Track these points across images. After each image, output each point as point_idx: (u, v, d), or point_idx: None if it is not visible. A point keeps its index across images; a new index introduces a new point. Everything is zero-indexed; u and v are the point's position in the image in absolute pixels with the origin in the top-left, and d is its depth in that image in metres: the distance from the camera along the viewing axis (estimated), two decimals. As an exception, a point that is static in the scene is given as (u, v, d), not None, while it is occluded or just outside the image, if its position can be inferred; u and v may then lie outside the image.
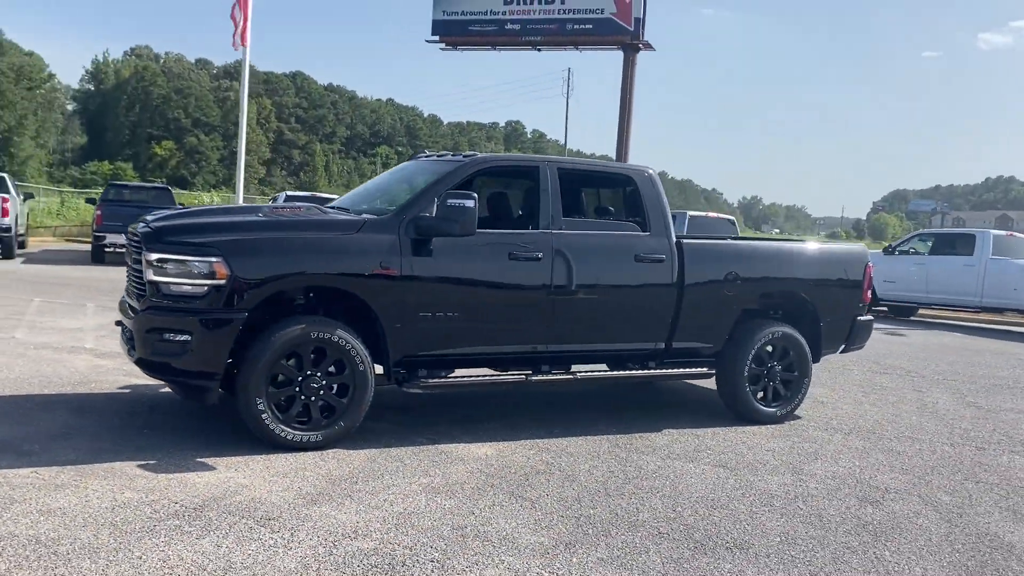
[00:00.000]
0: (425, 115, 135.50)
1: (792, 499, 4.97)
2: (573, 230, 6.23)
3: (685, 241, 6.64)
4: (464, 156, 6.23)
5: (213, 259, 5.01)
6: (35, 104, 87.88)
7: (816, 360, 7.34)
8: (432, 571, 3.60)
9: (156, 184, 28.45)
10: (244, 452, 5.15)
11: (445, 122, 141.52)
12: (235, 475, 4.74)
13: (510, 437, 5.96)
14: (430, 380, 5.71)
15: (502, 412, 6.72)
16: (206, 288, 5.02)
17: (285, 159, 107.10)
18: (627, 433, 6.29)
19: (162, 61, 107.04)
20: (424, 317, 5.58)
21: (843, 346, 7.43)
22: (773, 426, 6.84)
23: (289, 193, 25.82)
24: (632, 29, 30.66)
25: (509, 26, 37.22)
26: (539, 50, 39.71)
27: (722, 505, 4.77)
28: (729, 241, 7.62)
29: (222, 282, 5.01)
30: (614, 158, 29.09)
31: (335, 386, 5.45)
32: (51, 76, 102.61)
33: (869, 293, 7.45)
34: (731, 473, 5.44)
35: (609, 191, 7.48)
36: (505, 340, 5.95)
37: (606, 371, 6.55)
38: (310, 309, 5.57)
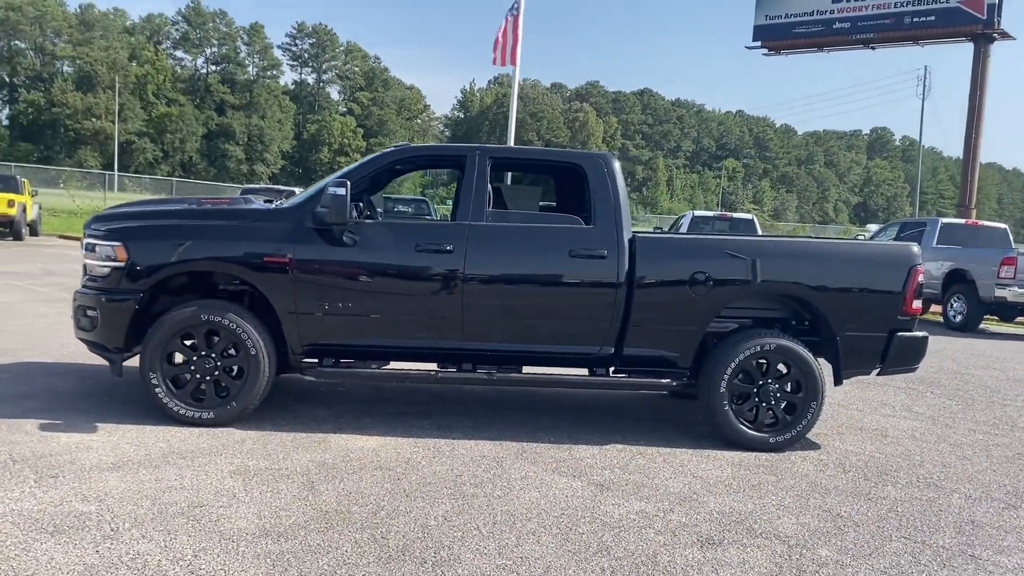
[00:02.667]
0: (777, 125, 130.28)
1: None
2: (496, 222, 5.89)
3: (639, 235, 5.92)
4: (394, 146, 6.19)
5: (115, 243, 5.59)
6: (412, 132, 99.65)
7: (837, 382, 6.08)
8: (101, 539, 3.74)
9: (416, 196, 31.02)
10: (142, 422, 5.65)
11: (800, 132, 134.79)
12: (99, 438, 5.24)
13: (416, 432, 5.80)
14: (325, 368, 5.77)
15: (443, 410, 6.52)
16: (109, 270, 5.61)
17: (628, 175, 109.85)
18: (554, 443, 5.77)
19: (521, 87, 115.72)
20: (322, 307, 5.66)
21: (878, 367, 6.04)
22: (754, 455, 5.79)
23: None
24: (984, 17, 27.20)
25: (838, 25, 34.89)
26: (872, 48, 36.64)
27: (518, 525, 4.25)
28: (701, 236, 6.57)
29: (121, 265, 5.57)
30: (961, 158, 25.89)
31: (234, 368, 5.75)
32: (426, 107, 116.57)
33: (917, 303, 5.98)
34: (602, 492, 4.78)
35: (553, 181, 6.87)
36: (415, 335, 5.80)
37: (533, 375, 6.05)
38: (233, 296, 5.95)
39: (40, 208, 26.94)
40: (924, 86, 70.09)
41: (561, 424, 6.32)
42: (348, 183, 5.49)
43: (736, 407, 5.91)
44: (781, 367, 5.97)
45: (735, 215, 19.43)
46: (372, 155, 6.10)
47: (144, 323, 5.68)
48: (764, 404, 5.91)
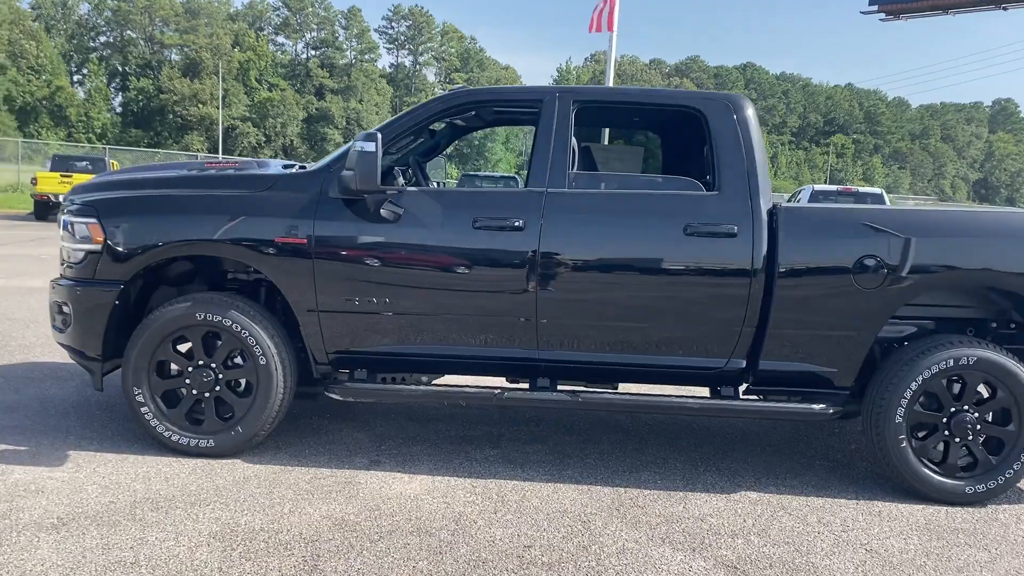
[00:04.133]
0: (889, 98, 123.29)
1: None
2: (583, 188, 4.36)
3: (783, 206, 4.28)
4: (445, 91, 4.71)
5: (90, 219, 4.33)
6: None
7: (1064, 412, 4.33)
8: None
9: (507, 174, 29.38)
10: (127, 451, 4.40)
11: (914, 105, 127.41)
12: (61, 476, 4.00)
13: (476, 469, 4.35)
14: (355, 385, 4.37)
15: (515, 435, 5.03)
16: (83, 254, 4.35)
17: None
18: (662, 489, 4.22)
19: (617, 63, 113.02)
20: (352, 302, 4.27)
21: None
22: (946, 512, 4.12)
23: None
24: None
25: (967, -17, 31.76)
26: (1004, 8, 33.40)
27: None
28: (872, 208, 4.83)
29: (97, 247, 4.31)
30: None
31: (241, 383, 4.44)
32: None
33: None
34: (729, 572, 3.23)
35: (661, 134, 5.22)
36: (474, 340, 4.34)
37: (633, 396, 4.48)
38: (247, 288, 4.64)
39: None
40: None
41: (672, 461, 4.75)
42: (379, 136, 4.05)
43: (918, 443, 4.24)
44: (982, 389, 4.26)
45: (862, 189, 16.97)
46: (418, 104, 4.64)
47: (134, 323, 4.41)
48: (958, 440, 4.21)
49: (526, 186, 4.41)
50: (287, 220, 4.24)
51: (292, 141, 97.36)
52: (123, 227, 4.30)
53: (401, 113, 4.55)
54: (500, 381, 4.64)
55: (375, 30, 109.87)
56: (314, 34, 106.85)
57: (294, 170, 4.59)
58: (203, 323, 4.27)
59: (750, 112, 4.40)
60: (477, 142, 79.56)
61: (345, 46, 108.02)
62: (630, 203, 4.30)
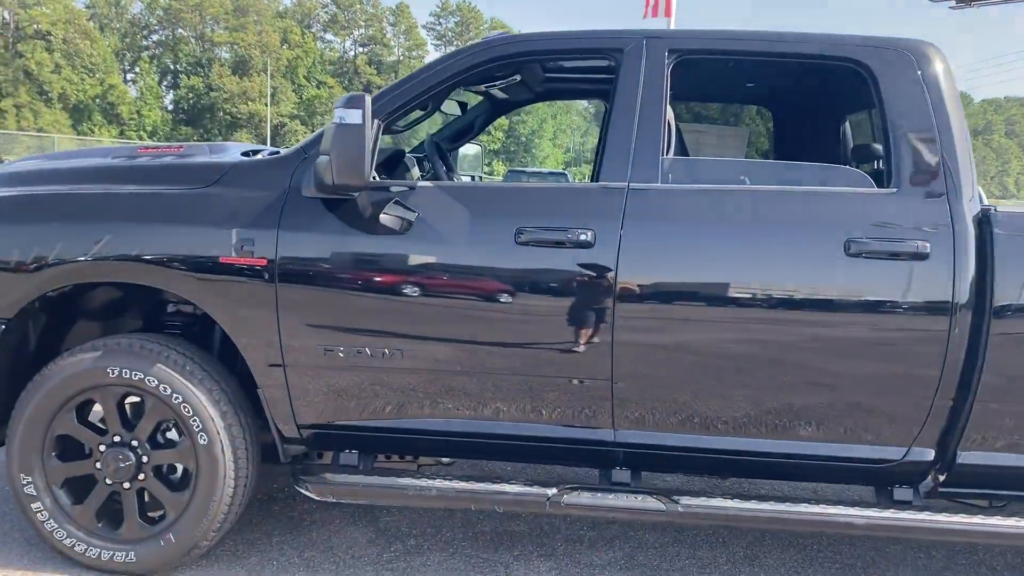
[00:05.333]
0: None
1: None
2: (684, 182, 2.89)
3: (1000, 211, 2.75)
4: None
5: (-37, 231, 2.97)
6: (555, 108, 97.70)
7: None
8: None
9: (555, 170, 27.68)
10: (14, 562, 3.04)
11: (976, 100, 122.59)
12: None
13: (520, 611, 2.90)
14: (336, 478, 2.94)
15: (579, 539, 3.55)
16: (-47, 280, 3.00)
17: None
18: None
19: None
20: (333, 351, 2.85)
21: None
22: None
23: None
24: None
25: (1046, -35, 29.48)
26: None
27: None
28: None
29: (-29, 270, 2.95)
30: None
31: (177, 470, 3.06)
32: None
33: None
34: None
35: (777, 102, 3.67)
36: (513, 411, 2.88)
37: (764, 506, 2.95)
38: (188, 326, 3.24)
39: None
40: None
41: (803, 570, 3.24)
42: (368, 102, 2.61)
43: None
44: None
45: None
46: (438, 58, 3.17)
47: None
48: None
49: (595, 179, 2.95)
50: (238, 230, 2.83)
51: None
52: (3, 240, 2.93)
53: (412, 72, 3.10)
54: (555, 469, 3.19)
55: (423, 26, 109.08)
56: (362, 31, 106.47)
57: (259, 157, 3.18)
58: (117, 382, 2.89)
59: (940, 67, 2.86)
60: (524, 139, 78.23)
61: (393, 43, 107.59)
62: (760, 207, 2.80)
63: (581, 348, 2.77)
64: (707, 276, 2.77)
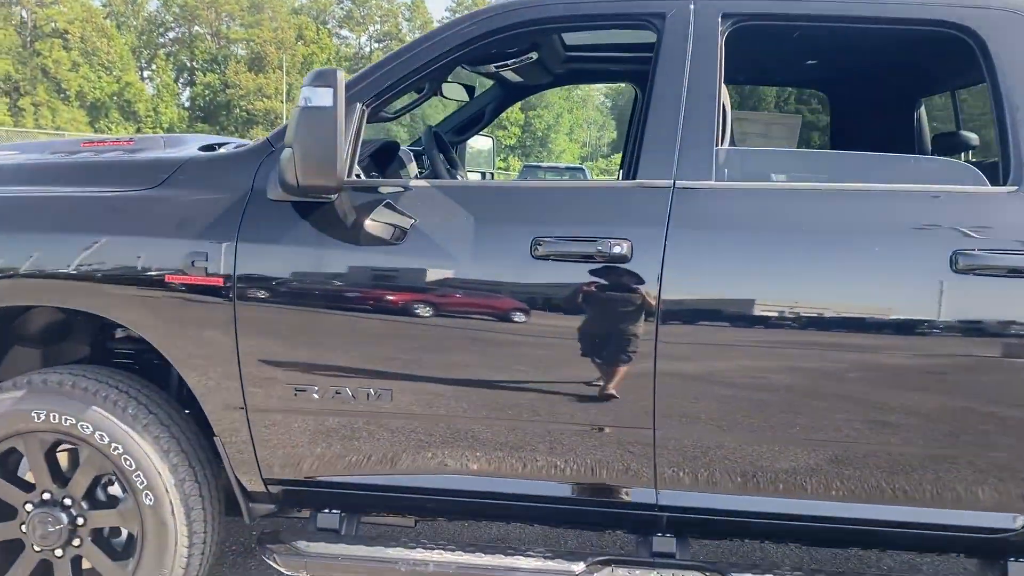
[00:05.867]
0: None
1: None
2: (743, 179, 2.31)
3: None
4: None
5: None
6: (572, 103, 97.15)
7: None
8: None
9: (572, 165, 26.93)
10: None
11: None
12: None
13: None
14: (310, 547, 2.38)
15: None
16: None
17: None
18: None
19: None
20: (306, 395, 2.30)
21: None
22: None
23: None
24: None
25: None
26: None
27: None
28: None
29: None
30: None
31: (120, 534, 2.52)
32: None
33: None
34: None
35: (873, 73, 3.07)
36: (532, 464, 2.31)
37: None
38: (140, 358, 2.70)
39: None
40: None
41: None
42: (340, 78, 2.06)
43: None
44: None
45: None
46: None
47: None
48: None
49: (630, 177, 2.38)
50: (187, 242, 2.28)
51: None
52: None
53: (404, 45, 2.53)
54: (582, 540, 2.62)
55: (438, 21, 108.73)
56: (377, 27, 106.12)
57: (221, 151, 2.63)
58: (45, 428, 2.36)
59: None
60: (540, 133, 77.67)
61: (408, 38, 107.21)
62: (842, 211, 2.21)
63: (614, 386, 2.20)
64: (772, 296, 2.19)
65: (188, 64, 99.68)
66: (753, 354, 2.22)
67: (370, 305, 2.28)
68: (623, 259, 2.16)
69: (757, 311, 2.18)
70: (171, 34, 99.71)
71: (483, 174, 4.16)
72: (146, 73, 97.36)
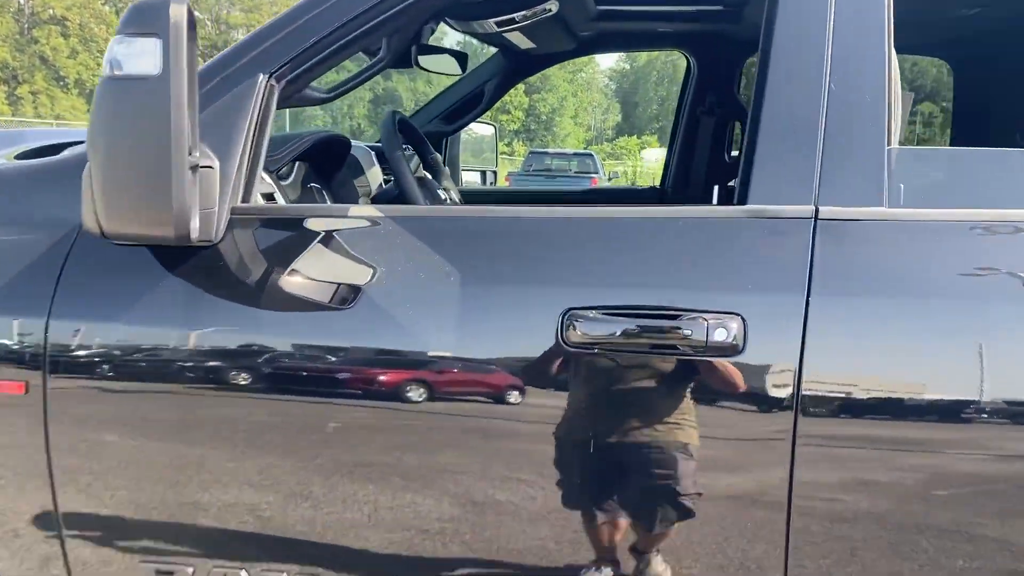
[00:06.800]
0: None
1: None
2: (928, 201, 1.30)
3: None
4: None
5: None
6: (576, 86, 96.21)
7: None
8: None
9: (580, 151, 25.78)
10: None
11: None
12: None
13: None
14: None
15: None
16: None
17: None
18: None
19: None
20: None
21: None
22: None
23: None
24: None
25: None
26: None
27: None
28: None
29: None
30: None
31: None
32: (591, 59, 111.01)
33: None
34: None
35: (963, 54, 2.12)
36: None
37: None
38: None
39: None
40: None
41: None
42: (175, 8, 1.08)
43: None
44: None
45: None
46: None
47: None
48: None
49: (728, 201, 1.41)
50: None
51: (359, 124, 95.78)
52: None
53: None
54: None
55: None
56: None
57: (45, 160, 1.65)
58: None
59: None
60: (545, 117, 76.79)
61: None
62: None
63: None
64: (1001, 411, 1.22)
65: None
66: (943, 480, 1.25)
67: (276, 420, 1.32)
68: (731, 350, 1.19)
69: (958, 402, 1.21)
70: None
71: (483, 173, 3.19)
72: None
